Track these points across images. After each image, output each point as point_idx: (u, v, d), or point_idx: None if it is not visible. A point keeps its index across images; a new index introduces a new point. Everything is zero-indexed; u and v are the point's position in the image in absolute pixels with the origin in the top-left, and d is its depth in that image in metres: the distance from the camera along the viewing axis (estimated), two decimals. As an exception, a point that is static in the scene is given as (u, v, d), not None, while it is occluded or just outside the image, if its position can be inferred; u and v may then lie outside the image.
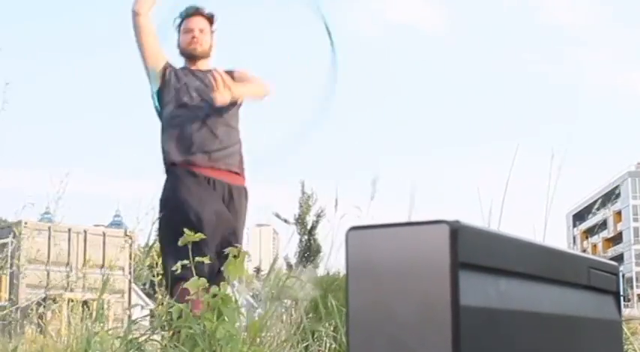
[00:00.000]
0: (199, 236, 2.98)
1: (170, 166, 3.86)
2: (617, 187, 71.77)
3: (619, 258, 64.72)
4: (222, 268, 2.94)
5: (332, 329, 2.97)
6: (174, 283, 3.33)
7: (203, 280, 2.71)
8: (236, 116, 4.03)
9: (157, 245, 4.04)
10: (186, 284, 2.77)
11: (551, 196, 3.35)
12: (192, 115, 3.88)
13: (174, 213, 3.71)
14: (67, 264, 12.65)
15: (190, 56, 4.04)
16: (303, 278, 3.17)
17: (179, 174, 3.82)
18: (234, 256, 2.80)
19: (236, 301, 2.66)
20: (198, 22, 4.03)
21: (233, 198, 3.85)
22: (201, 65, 4.04)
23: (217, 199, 3.79)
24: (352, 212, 4.00)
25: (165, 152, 3.89)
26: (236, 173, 3.93)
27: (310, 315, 3.02)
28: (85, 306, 5.18)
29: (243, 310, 2.97)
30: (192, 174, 3.80)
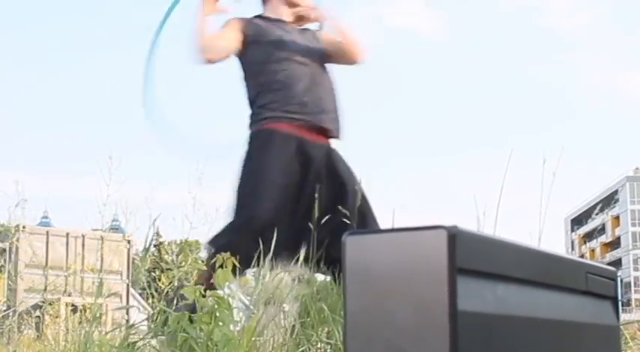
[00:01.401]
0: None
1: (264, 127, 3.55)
2: (615, 192, 71.93)
3: (617, 263, 64.80)
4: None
5: (325, 334, 2.96)
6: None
7: (200, 287, 2.69)
8: None
9: (152, 249, 3.97)
10: (183, 290, 2.75)
11: (545, 202, 3.35)
12: (299, 72, 3.60)
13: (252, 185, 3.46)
14: (65, 268, 12.63)
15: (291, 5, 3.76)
16: (293, 275, 3.17)
17: (280, 140, 3.51)
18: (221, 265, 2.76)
19: (229, 304, 2.66)
20: None
21: (332, 159, 3.60)
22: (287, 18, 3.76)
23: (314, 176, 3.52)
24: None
25: (264, 110, 3.56)
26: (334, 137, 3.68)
27: (303, 320, 3.02)
28: (82, 311, 5.18)
29: (240, 313, 2.97)
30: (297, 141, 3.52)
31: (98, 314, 3.04)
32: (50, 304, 8.47)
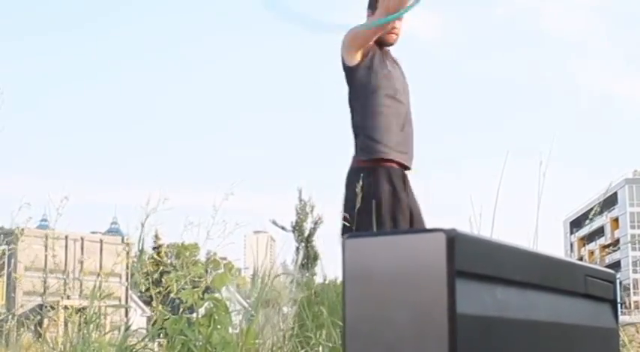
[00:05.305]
0: None
1: (378, 160, 3.55)
2: (614, 194, 71.83)
3: (616, 265, 64.72)
4: None
5: (324, 337, 2.96)
6: None
7: (197, 290, 2.70)
8: None
9: (151, 251, 3.96)
10: (181, 294, 2.75)
11: (539, 202, 3.35)
12: (399, 110, 3.63)
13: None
14: (64, 271, 12.61)
15: (385, 44, 3.75)
16: (290, 279, 3.16)
17: (390, 173, 3.54)
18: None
19: (226, 308, 2.66)
20: None
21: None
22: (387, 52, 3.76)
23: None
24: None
25: (375, 143, 3.56)
26: None
27: (302, 323, 3.02)
28: (81, 313, 5.16)
29: (239, 316, 2.96)
30: (401, 174, 3.58)
31: (95, 317, 3.03)
32: (52, 307, 8.46)
